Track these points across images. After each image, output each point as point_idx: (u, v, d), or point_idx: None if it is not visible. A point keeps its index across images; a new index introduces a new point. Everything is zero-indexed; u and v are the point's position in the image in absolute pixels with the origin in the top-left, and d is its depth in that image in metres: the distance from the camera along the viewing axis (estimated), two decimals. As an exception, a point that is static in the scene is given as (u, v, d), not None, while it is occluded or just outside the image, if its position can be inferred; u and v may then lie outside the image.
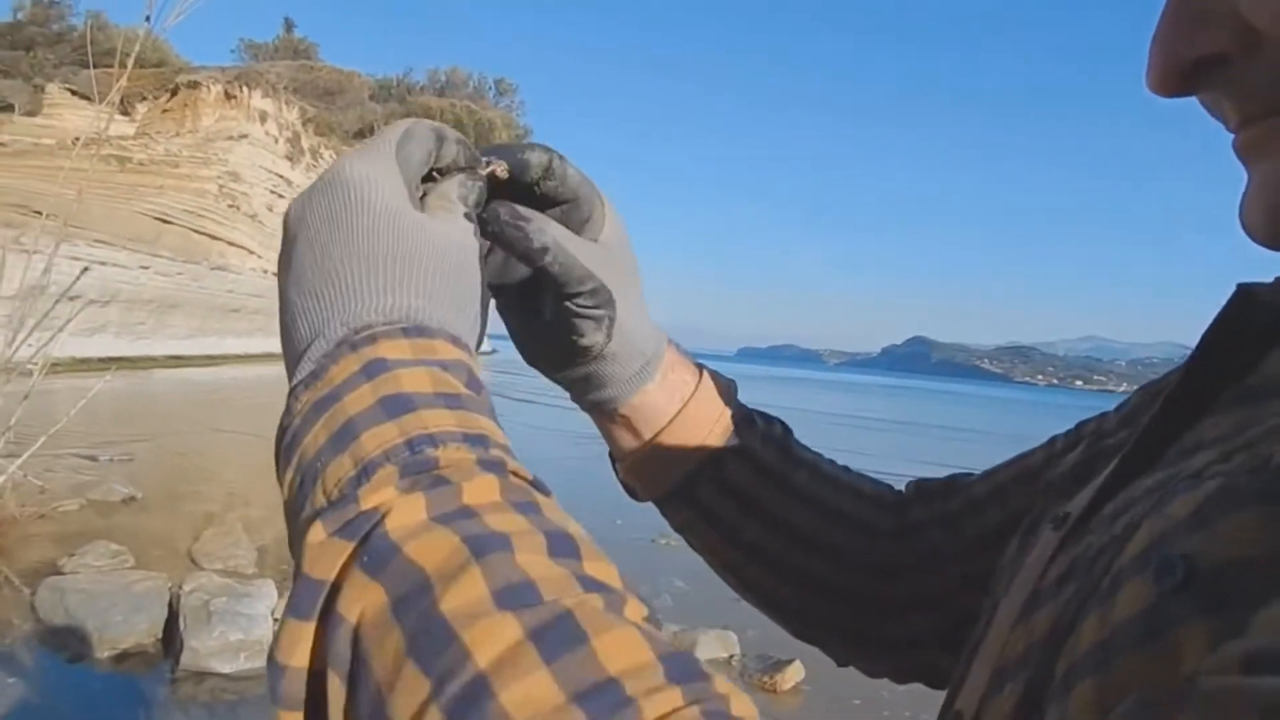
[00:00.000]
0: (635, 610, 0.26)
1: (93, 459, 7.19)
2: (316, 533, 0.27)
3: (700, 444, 0.51)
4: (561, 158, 0.45)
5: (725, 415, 0.53)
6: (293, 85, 28.53)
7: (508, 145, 0.44)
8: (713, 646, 4.18)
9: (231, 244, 22.48)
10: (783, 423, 0.56)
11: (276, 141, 25.37)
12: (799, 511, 0.52)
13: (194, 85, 23.42)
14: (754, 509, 0.52)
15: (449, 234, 0.37)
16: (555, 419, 16.89)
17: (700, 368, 0.54)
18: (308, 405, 0.32)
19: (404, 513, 0.27)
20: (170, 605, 3.70)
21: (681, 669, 0.24)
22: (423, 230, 0.36)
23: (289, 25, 43.25)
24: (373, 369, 0.31)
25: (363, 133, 33.64)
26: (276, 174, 25.12)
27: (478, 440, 0.30)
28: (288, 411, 0.33)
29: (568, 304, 0.44)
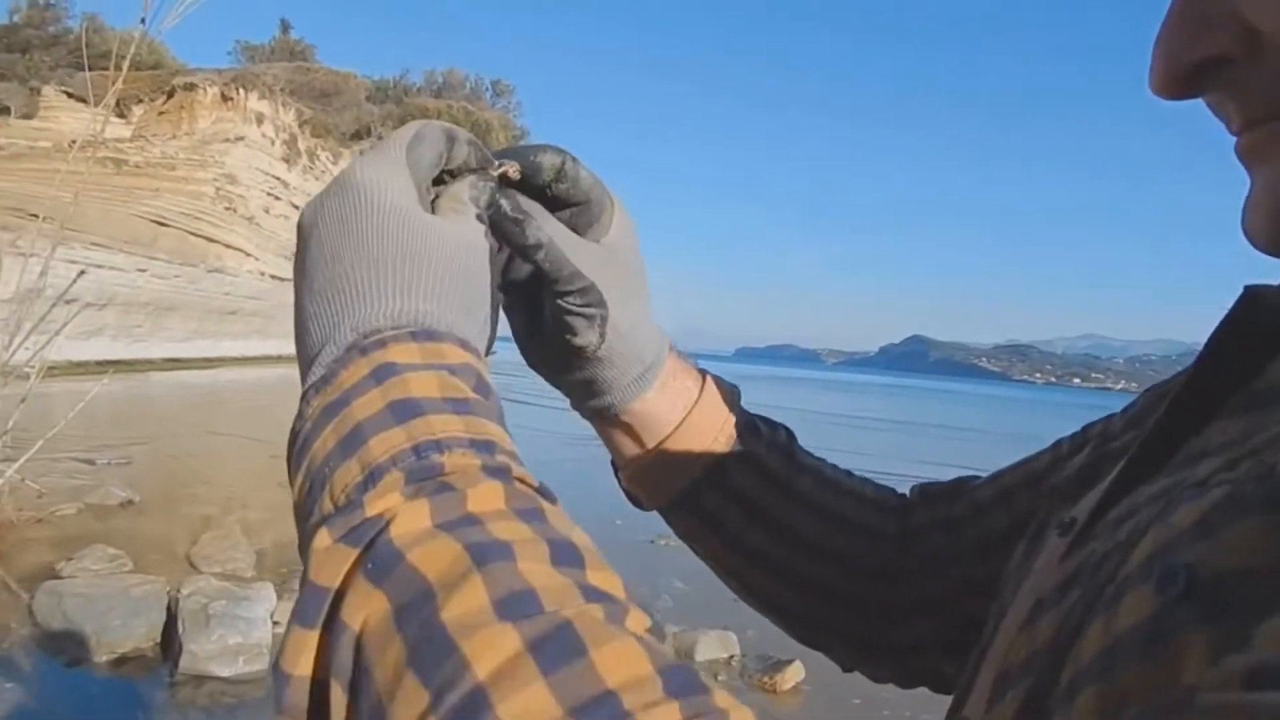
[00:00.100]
0: (637, 621, 0.26)
1: (90, 463, 7.18)
2: (322, 539, 0.27)
3: (705, 450, 0.51)
4: (574, 160, 0.45)
5: (729, 422, 0.52)
6: (289, 87, 28.50)
7: (521, 147, 0.44)
8: (713, 647, 4.18)
9: (228, 246, 22.45)
10: (786, 428, 0.56)
11: (273, 143, 25.35)
12: (803, 517, 0.52)
13: (190, 87, 23.40)
14: (759, 515, 0.52)
15: (460, 235, 0.37)
16: (553, 421, 16.87)
17: (703, 373, 0.54)
18: (318, 410, 0.32)
19: (408, 519, 0.27)
20: (169, 609, 3.69)
21: (681, 682, 0.24)
22: (433, 232, 0.36)
23: (285, 27, 43.23)
24: (381, 373, 0.31)
25: (359, 134, 33.62)
26: (273, 176, 25.09)
27: (484, 446, 0.30)
28: (299, 416, 0.33)
29: (559, 302, 0.44)
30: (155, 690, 3.26)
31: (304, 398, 0.33)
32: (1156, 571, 0.25)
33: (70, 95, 21.64)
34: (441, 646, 0.24)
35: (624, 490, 0.55)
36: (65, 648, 3.48)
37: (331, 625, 0.26)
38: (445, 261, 0.36)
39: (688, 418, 0.51)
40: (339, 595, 0.26)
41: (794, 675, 3.92)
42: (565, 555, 0.27)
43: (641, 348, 0.48)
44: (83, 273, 7.66)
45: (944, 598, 0.51)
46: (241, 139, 23.61)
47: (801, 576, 0.53)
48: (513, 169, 0.43)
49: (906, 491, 0.57)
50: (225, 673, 3.38)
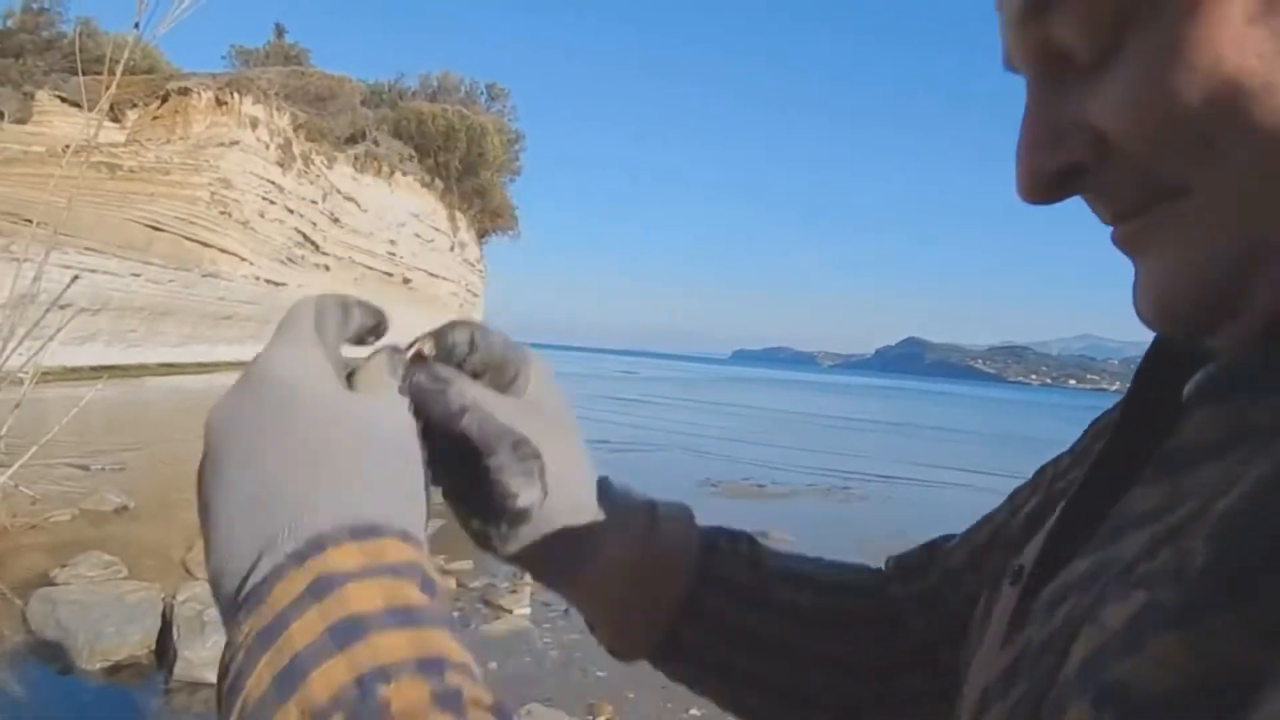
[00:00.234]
0: None
1: (84, 468, 7.15)
2: None
3: (671, 586, 0.49)
4: (483, 329, 0.44)
5: (691, 548, 0.50)
6: (284, 91, 28.48)
7: (433, 330, 0.44)
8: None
9: (223, 251, 22.41)
10: (748, 535, 0.54)
11: (268, 148, 25.31)
12: (784, 628, 0.51)
13: (184, 92, 23.36)
14: (742, 638, 0.50)
15: (388, 414, 0.36)
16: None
17: (651, 503, 0.52)
18: (250, 636, 0.28)
19: None
20: (164, 615, 3.68)
21: None
22: (361, 416, 0.35)
23: (280, 31, 43.22)
24: (319, 587, 0.29)
25: (354, 138, 33.60)
26: (268, 180, 25.06)
27: (433, 666, 0.28)
28: (229, 644, 0.30)
29: (493, 461, 0.41)
30: (150, 698, 3.24)
31: (234, 621, 0.30)
32: (1092, 689, 0.25)
33: (64, 100, 21.59)
34: None
35: (606, 649, 0.53)
36: (59, 655, 3.45)
37: None
38: (380, 445, 0.34)
39: (646, 557, 0.49)
40: None
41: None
42: None
43: (585, 497, 0.46)
44: (76, 277, 7.63)
45: (935, 687, 0.50)
46: (236, 143, 23.58)
47: (791, 689, 0.51)
48: (426, 346, 0.43)
49: (883, 564, 0.57)
50: (221, 679, 3.36)
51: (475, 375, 0.44)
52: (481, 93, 49.53)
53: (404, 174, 36.00)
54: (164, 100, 23.50)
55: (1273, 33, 0.28)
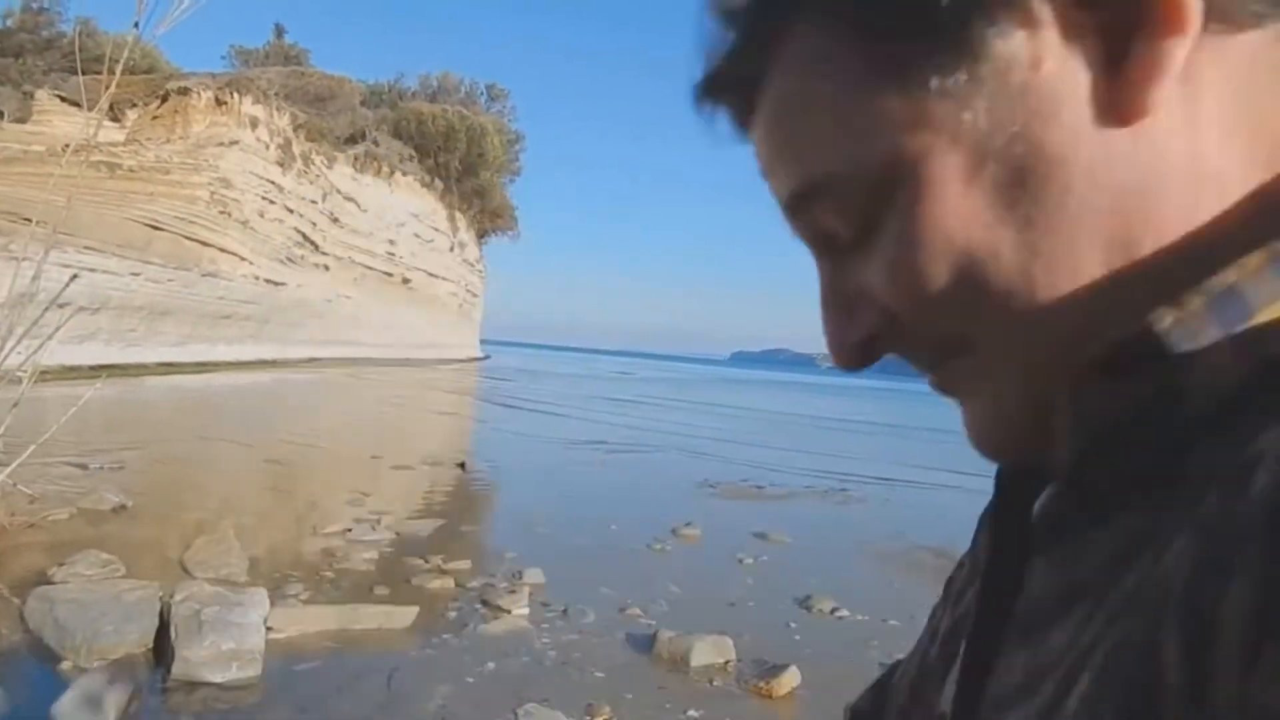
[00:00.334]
0: None
1: (83, 467, 7.14)
2: None
3: None
4: None
5: None
6: (284, 91, 28.47)
7: None
8: (708, 652, 4.17)
9: (223, 250, 22.39)
10: None
11: (268, 148, 25.30)
12: None
13: (184, 92, 23.35)
14: None
15: None
16: (549, 425, 16.88)
17: None
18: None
19: None
20: (161, 615, 3.67)
21: None
22: None
23: (279, 31, 43.20)
24: None
25: (354, 138, 33.59)
26: (268, 180, 25.04)
27: None
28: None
29: None
30: (148, 696, 3.24)
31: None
32: None
33: (64, 99, 21.55)
34: None
35: None
36: (57, 653, 3.45)
37: None
38: None
39: None
40: None
41: (790, 681, 3.91)
42: None
43: None
44: (75, 276, 7.63)
45: None
46: (236, 143, 23.56)
47: None
48: None
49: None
50: (218, 678, 3.36)
51: None
52: (481, 93, 49.55)
53: (404, 174, 35.97)
54: (164, 100, 23.48)
55: (990, 199, 0.31)
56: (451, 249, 41.89)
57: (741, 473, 11.45)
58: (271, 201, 25.22)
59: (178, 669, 3.36)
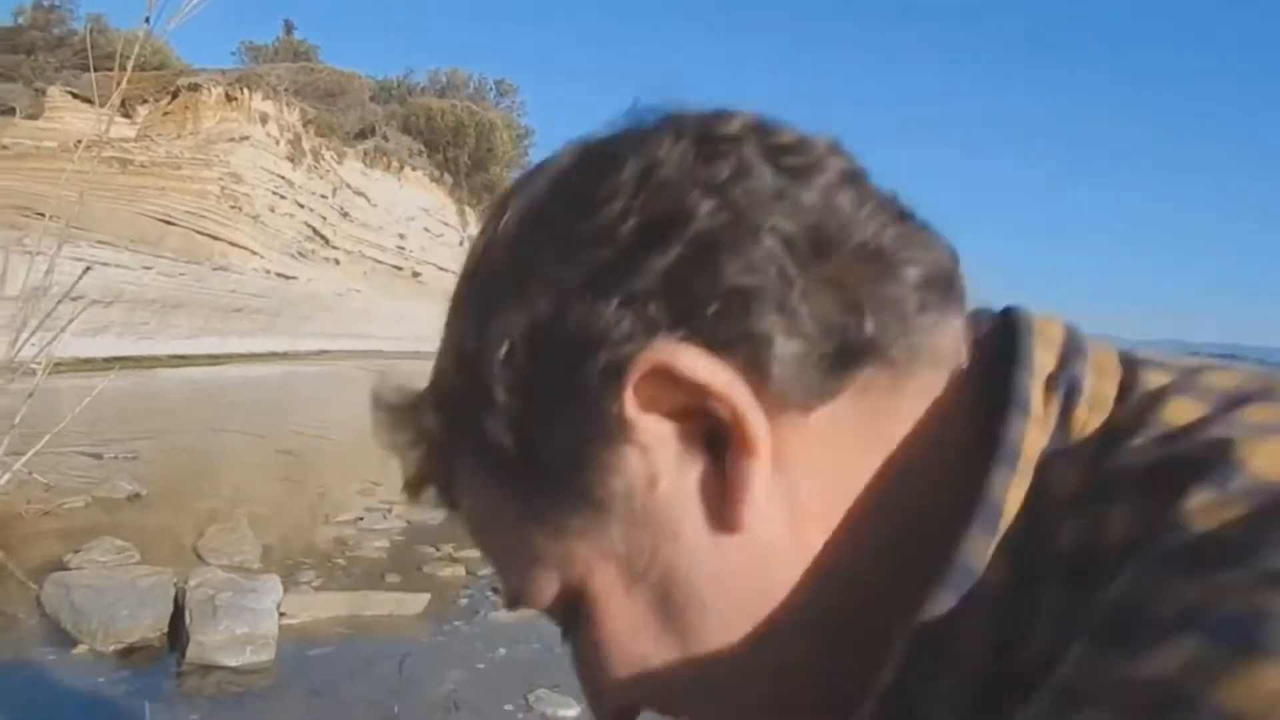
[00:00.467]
0: None
1: (97, 457, 7.21)
2: None
3: None
4: None
5: None
6: (293, 87, 28.55)
7: None
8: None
9: (233, 244, 22.51)
10: None
11: (278, 143, 25.40)
12: None
13: (195, 88, 23.45)
14: None
15: None
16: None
17: None
18: None
19: None
20: (176, 600, 3.70)
21: None
22: None
23: (289, 27, 43.30)
24: None
25: (364, 134, 33.67)
26: (278, 175, 25.15)
27: None
28: None
29: None
30: (163, 679, 3.27)
31: None
32: None
33: (75, 96, 21.68)
34: None
35: None
36: (73, 638, 3.49)
37: None
38: None
39: None
40: None
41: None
42: None
43: None
44: (88, 269, 7.69)
45: None
46: (246, 138, 23.66)
47: None
48: None
49: None
50: (233, 662, 3.38)
51: None
52: (490, 89, 49.53)
53: (413, 169, 36.06)
54: (174, 96, 23.58)
55: (648, 613, 0.35)
56: (461, 243, 41.96)
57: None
58: (282, 196, 25.32)
59: (192, 653, 3.38)
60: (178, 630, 3.57)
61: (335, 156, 29.68)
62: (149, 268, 17.86)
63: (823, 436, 0.34)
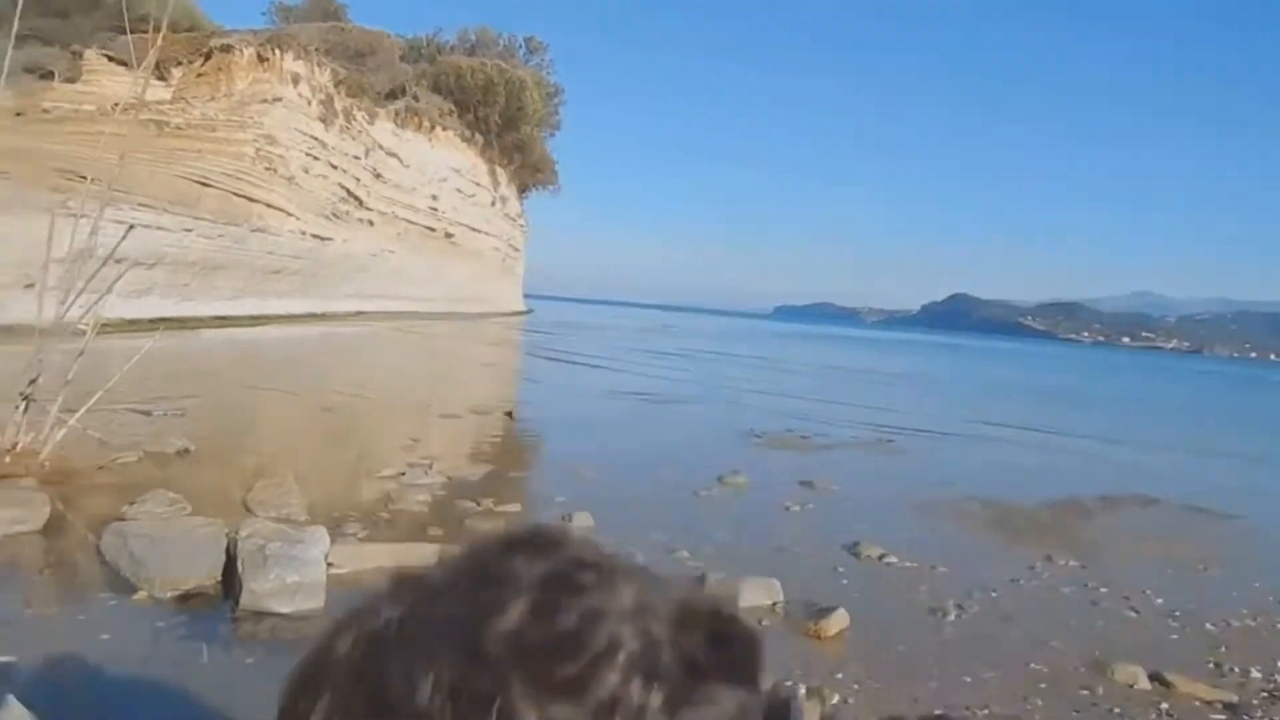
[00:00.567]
0: None
1: (147, 414, 7.40)
2: None
3: None
4: None
5: None
6: (324, 47, 28.45)
7: None
8: (757, 594, 4.19)
9: (270, 206, 22.73)
10: None
11: (310, 104, 25.43)
12: None
13: (227, 49, 23.48)
14: None
15: None
16: (592, 378, 16.99)
17: None
18: None
19: None
20: (228, 550, 3.81)
21: None
22: None
23: (319, -14, 42.99)
24: None
25: (394, 93, 33.55)
26: (311, 136, 25.23)
27: None
28: None
29: None
30: (219, 625, 3.38)
31: None
32: None
33: (111, 59, 21.84)
34: None
35: None
36: (132, 584, 3.61)
37: None
38: None
39: None
40: None
41: (839, 622, 3.93)
42: None
43: None
44: (131, 228, 7.80)
45: None
46: (279, 100, 23.72)
47: None
48: None
49: None
50: (284, 609, 3.48)
51: None
52: (520, 46, 48.93)
53: (444, 129, 35.93)
54: (207, 58, 23.65)
55: None
56: (493, 203, 41.93)
57: (787, 424, 11.41)
58: (315, 158, 25.44)
59: (245, 600, 3.49)
60: (231, 578, 3.68)
61: (367, 117, 29.67)
62: (189, 230, 18.12)
63: None
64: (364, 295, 28.57)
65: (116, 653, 3.02)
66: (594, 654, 0.39)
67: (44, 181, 13.02)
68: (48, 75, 21.13)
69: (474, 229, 39.37)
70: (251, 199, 21.95)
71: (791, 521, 6.08)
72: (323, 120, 26.01)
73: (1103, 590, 4.90)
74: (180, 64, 23.48)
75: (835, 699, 3.18)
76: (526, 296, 55.83)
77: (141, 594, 3.55)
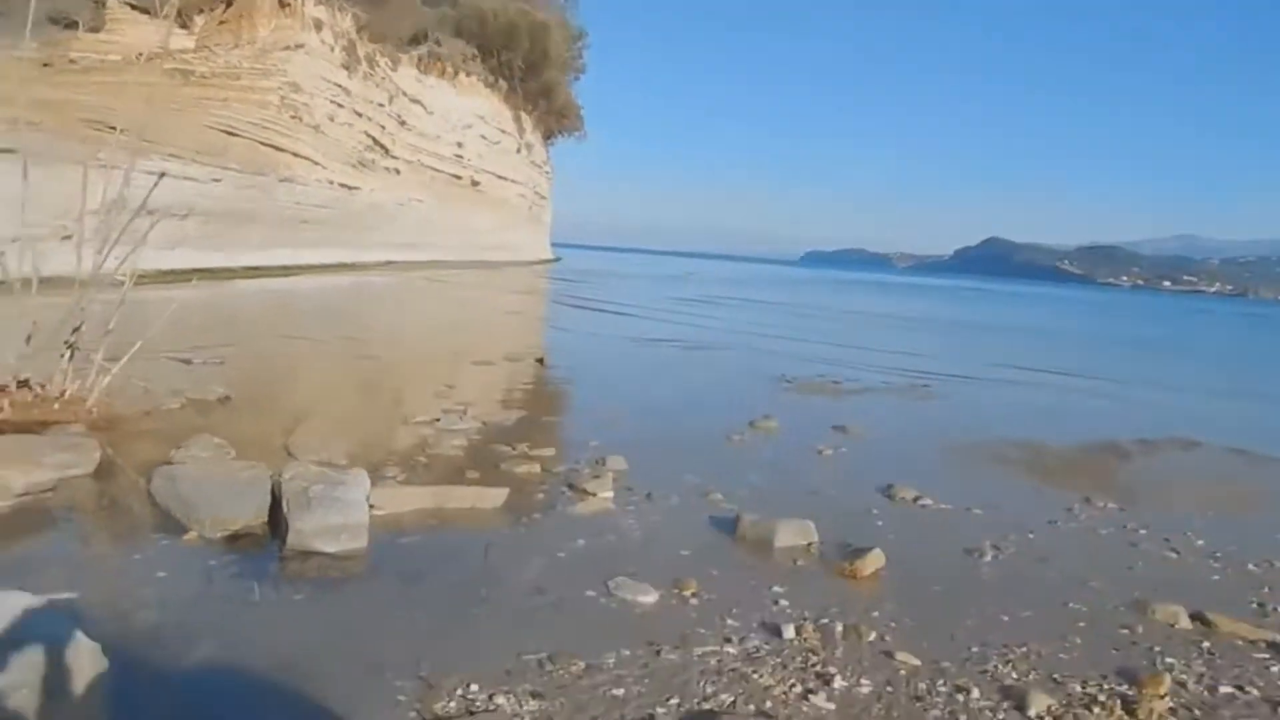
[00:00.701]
0: None
1: (187, 362, 7.53)
2: None
3: None
4: None
5: None
6: (345, -10, 28.03)
7: None
8: (792, 534, 4.21)
9: (297, 155, 22.70)
10: None
11: (333, 50, 25.18)
12: None
13: (249, -6, 23.21)
14: None
15: None
16: (619, 325, 16.97)
17: None
18: None
19: None
20: (273, 492, 3.89)
21: None
22: None
23: (338, -72, 42.14)
24: None
25: (416, 39, 33.07)
26: (335, 84, 25.04)
27: None
28: None
29: None
30: (268, 564, 3.48)
31: None
32: None
33: (134, 7, 21.69)
34: None
35: None
36: (183, 525, 3.72)
37: None
38: None
39: None
40: None
41: (874, 562, 3.94)
42: None
43: None
44: (163, 175, 7.82)
45: None
46: (301, 46, 23.49)
47: None
48: None
49: None
50: (329, 549, 3.57)
51: None
52: (543, -14, 47.79)
53: (467, 74, 35.47)
54: (229, 4, 23.41)
55: None
56: (519, 150, 41.53)
57: (818, 369, 11.34)
58: (340, 105, 25.28)
59: (292, 540, 3.58)
60: (277, 519, 3.77)
61: (390, 63, 29.33)
62: (217, 180, 18.19)
63: None
64: (392, 245, 28.63)
65: (173, 590, 3.12)
66: None
67: (74, 133, 13.08)
68: (72, 25, 21.08)
69: (500, 176, 39.11)
70: (279, 148, 21.94)
71: (824, 465, 6.08)
72: (346, 67, 25.76)
73: (1142, 532, 4.86)
74: (202, 11, 23.27)
75: (872, 636, 3.20)
76: (554, 245, 55.60)
77: (192, 534, 3.66)
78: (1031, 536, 4.64)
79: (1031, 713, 2.72)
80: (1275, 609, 3.83)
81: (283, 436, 5.40)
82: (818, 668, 2.93)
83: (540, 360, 10.03)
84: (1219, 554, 4.55)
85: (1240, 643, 3.42)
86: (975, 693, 2.83)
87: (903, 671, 2.95)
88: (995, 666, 3.04)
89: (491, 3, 40.54)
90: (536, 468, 5.21)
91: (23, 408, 5.13)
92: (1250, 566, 4.40)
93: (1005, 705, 2.77)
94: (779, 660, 2.97)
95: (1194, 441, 8.02)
